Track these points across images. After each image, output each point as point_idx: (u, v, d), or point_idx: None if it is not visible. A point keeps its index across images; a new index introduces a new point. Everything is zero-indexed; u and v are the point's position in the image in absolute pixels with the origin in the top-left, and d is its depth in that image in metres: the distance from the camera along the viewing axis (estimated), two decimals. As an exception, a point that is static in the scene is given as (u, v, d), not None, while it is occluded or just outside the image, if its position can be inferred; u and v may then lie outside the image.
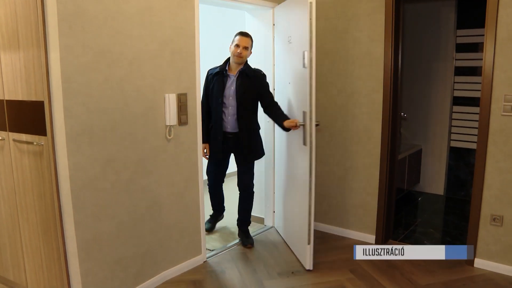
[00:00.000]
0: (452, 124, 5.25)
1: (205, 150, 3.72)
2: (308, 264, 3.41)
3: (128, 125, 2.78)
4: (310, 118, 3.24)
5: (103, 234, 2.71)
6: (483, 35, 3.22)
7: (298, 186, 3.55)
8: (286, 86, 3.78)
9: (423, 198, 5.36)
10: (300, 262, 3.54)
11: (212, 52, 4.54)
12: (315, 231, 3.47)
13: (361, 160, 3.90)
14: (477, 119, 3.34)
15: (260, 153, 3.85)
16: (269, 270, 3.44)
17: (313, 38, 3.15)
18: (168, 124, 3.04)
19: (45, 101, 2.40)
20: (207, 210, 3.90)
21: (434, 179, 5.47)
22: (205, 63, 3.58)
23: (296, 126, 3.33)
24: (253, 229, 4.26)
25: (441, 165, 5.39)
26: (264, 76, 3.69)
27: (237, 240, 3.98)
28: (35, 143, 2.54)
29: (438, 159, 5.41)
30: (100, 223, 2.68)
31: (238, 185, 3.92)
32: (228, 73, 3.63)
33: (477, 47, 4.91)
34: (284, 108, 3.70)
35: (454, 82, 5.14)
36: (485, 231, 3.37)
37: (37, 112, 2.47)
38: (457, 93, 5.15)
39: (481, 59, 3.29)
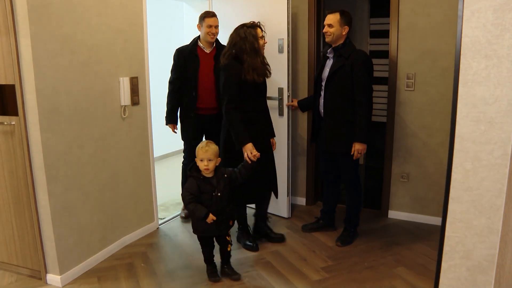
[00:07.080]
0: (368, 101, 5.93)
1: None
2: (287, 213, 4.17)
3: (89, 106, 3.09)
4: (288, 93, 3.93)
5: (72, 203, 3.02)
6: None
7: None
8: None
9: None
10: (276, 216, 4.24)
11: (156, 42, 4.85)
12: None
13: (296, 133, 4.44)
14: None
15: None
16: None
17: (290, 29, 3.79)
18: (123, 104, 3.39)
19: (16, 84, 2.67)
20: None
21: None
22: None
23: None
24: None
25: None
26: (364, 59, 3.36)
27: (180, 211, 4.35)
28: (5, 123, 2.80)
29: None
30: (69, 193, 2.98)
31: None
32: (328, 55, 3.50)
33: (387, 34, 5.60)
34: None
35: (369, 64, 5.81)
36: (396, 187, 4.07)
37: (8, 94, 2.73)
38: (372, 74, 5.83)
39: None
